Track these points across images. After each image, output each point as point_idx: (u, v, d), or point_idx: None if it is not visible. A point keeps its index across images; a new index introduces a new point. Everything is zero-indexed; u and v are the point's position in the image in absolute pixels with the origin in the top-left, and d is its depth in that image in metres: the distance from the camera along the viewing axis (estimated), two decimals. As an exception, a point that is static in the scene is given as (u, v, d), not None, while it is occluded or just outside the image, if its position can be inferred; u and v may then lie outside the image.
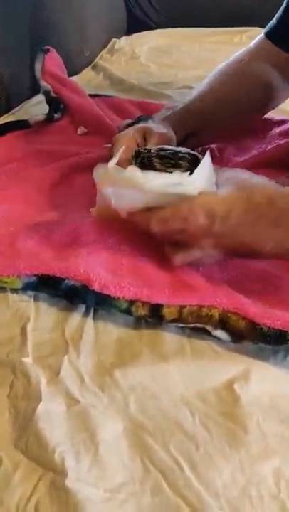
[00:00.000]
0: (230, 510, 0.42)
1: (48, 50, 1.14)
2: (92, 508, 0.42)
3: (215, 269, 0.63)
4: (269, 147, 0.92)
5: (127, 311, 0.58)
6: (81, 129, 1.04)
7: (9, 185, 0.83)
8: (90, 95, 1.12)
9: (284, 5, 0.86)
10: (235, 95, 0.86)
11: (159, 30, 1.81)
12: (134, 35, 1.75)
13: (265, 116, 0.97)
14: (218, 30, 1.73)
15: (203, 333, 0.57)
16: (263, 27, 0.90)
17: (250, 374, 0.53)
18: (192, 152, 0.69)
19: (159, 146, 0.69)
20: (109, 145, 0.78)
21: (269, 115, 0.99)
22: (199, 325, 0.57)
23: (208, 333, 0.57)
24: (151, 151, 0.67)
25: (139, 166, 0.66)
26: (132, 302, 0.58)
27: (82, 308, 0.61)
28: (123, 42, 1.68)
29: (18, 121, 1.03)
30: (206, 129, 0.85)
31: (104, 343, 0.57)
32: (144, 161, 0.67)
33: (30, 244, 0.68)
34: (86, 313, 0.60)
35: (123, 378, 0.53)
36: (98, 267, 0.62)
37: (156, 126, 0.78)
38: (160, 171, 0.65)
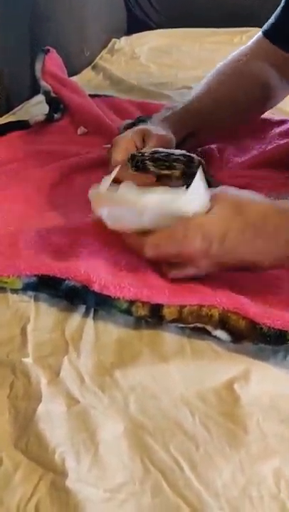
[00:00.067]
0: (230, 510, 0.42)
1: (48, 50, 1.14)
2: (92, 508, 0.42)
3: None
4: (269, 147, 0.92)
5: (127, 312, 0.58)
6: (81, 129, 1.04)
7: (9, 185, 0.83)
8: (90, 95, 1.12)
9: (282, 4, 0.86)
10: (233, 95, 0.85)
11: (159, 31, 1.81)
12: (134, 36, 1.75)
13: (264, 116, 0.97)
14: (218, 31, 1.74)
15: (203, 333, 0.57)
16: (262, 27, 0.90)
17: (250, 374, 0.53)
18: (187, 154, 0.69)
19: (153, 149, 0.70)
20: (109, 145, 0.78)
21: (269, 115, 0.99)
22: (199, 325, 0.57)
23: (208, 333, 0.57)
24: (145, 154, 0.68)
25: (134, 170, 0.67)
26: (132, 302, 0.58)
27: (82, 308, 0.61)
28: (123, 42, 1.68)
29: (18, 122, 1.03)
30: (204, 130, 0.85)
31: (105, 343, 0.57)
32: (139, 164, 0.67)
33: (30, 245, 0.68)
34: (86, 314, 0.60)
35: (123, 378, 0.53)
36: (98, 267, 0.62)
37: (154, 128, 0.78)
38: (154, 173, 0.66)
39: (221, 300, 0.57)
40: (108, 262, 0.64)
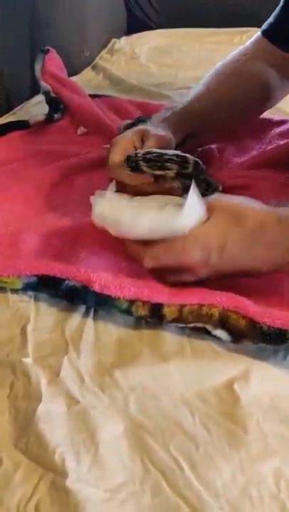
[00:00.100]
0: (230, 510, 0.42)
1: (48, 50, 1.14)
2: (92, 508, 0.42)
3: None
4: (269, 148, 0.92)
5: (127, 311, 0.58)
6: (81, 129, 1.04)
7: (9, 185, 0.83)
8: (89, 95, 1.12)
9: (281, 4, 0.86)
10: (233, 95, 0.85)
11: (159, 31, 1.80)
12: (134, 36, 1.75)
13: (264, 116, 0.97)
14: (218, 31, 1.73)
15: (203, 333, 0.57)
16: (263, 27, 0.90)
17: (250, 374, 0.53)
18: (180, 154, 0.69)
19: (147, 150, 0.70)
20: (109, 145, 0.78)
21: (268, 115, 0.99)
22: (199, 324, 0.57)
23: (208, 333, 0.57)
24: (138, 154, 0.68)
25: (129, 170, 0.68)
26: (132, 302, 0.58)
27: (82, 308, 0.61)
28: (123, 42, 1.68)
29: (18, 122, 1.03)
30: (204, 130, 0.85)
31: (105, 343, 0.57)
32: (133, 164, 0.67)
33: (30, 245, 0.68)
34: (86, 314, 0.60)
35: (123, 378, 0.53)
36: (98, 267, 0.62)
37: (154, 128, 0.78)
38: (148, 173, 0.66)
39: (221, 299, 0.57)
40: (108, 262, 0.64)
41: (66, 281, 0.60)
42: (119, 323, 0.59)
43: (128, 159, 0.69)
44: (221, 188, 0.74)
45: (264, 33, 0.88)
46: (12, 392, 0.51)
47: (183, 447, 0.47)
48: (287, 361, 0.55)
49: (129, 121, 0.98)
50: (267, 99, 0.90)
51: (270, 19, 0.88)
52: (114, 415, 0.49)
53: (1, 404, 0.50)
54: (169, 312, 0.57)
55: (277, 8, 0.86)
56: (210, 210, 0.58)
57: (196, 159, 0.70)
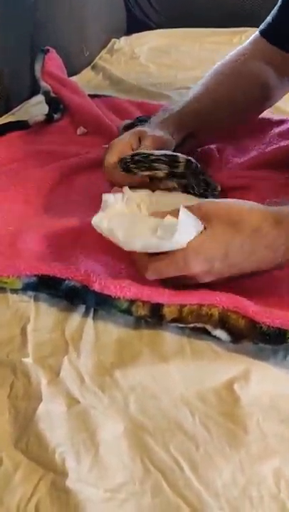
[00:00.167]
0: (230, 510, 0.42)
1: (48, 50, 1.14)
2: (92, 508, 0.42)
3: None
4: (269, 148, 0.91)
5: (127, 311, 0.58)
6: (81, 130, 1.04)
7: (9, 185, 0.83)
8: (89, 95, 1.12)
9: (279, 3, 0.86)
10: (232, 95, 0.85)
11: (158, 31, 1.80)
12: (134, 36, 1.75)
13: (264, 116, 0.97)
14: (218, 31, 1.73)
15: (203, 333, 0.57)
16: (262, 28, 0.90)
17: (250, 374, 0.53)
18: (169, 153, 0.69)
19: (136, 151, 0.70)
20: (107, 146, 0.78)
21: (268, 115, 0.99)
22: (199, 324, 0.57)
23: (208, 333, 0.57)
24: (127, 156, 0.68)
25: (122, 171, 0.69)
26: (132, 302, 0.58)
27: (82, 308, 0.61)
28: (123, 42, 1.68)
29: (17, 122, 1.03)
30: (203, 130, 0.85)
31: (105, 343, 0.57)
32: (124, 166, 0.68)
33: (30, 245, 0.68)
34: (86, 314, 0.60)
35: (123, 378, 0.53)
36: (98, 267, 0.62)
37: (151, 129, 0.78)
38: (138, 175, 0.67)
39: (220, 299, 0.57)
40: (108, 262, 0.64)
41: (66, 281, 0.60)
42: (119, 323, 0.59)
43: (120, 161, 0.70)
44: (219, 189, 0.74)
45: (262, 33, 0.88)
46: (12, 392, 0.51)
47: (183, 447, 0.47)
48: (287, 361, 0.55)
49: (128, 121, 0.98)
50: (266, 98, 0.90)
51: (268, 19, 0.88)
52: (115, 415, 0.49)
53: (1, 404, 0.50)
54: (168, 312, 0.58)
55: (275, 8, 0.86)
56: (206, 219, 0.58)
57: (189, 158, 0.70)
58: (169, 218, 0.58)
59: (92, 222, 0.62)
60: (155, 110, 0.93)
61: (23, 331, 0.58)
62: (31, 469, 0.45)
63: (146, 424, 0.49)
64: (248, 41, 0.91)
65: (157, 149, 0.72)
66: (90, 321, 0.60)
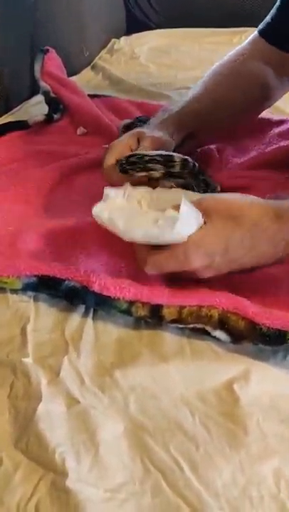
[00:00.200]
0: (230, 510, 0.42)
1: (48, 50, 1.14)
2: (92, 508, 0.42)
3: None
4: (269, 148, 0.91)
5: (127, 312, 0.58)
6: (80, 130, 1.04)
7: (9, 185, 0.83)
8: (89, 95, 1.12)
9: (277, 3, 0.86)
10: (231, 95, 0.85)
11: (158, 31, 1.80)
12: (134, 36, 1.75)
13: (264, 116, 0.97)
14: (218, 31, 1.73)
15: (203, 333, 0.57)
16: (262, 28, 0.90)
17: (250, 374, 0.53)
18: (164, 153, 0.69)
19: (131, 153, 0.70)
20: (108, 146, 0.78)
21: (268, 115, 0.99)
22: (199, 325, 0.57)
23: (208, 334, 0.57)
24: (123, 158, 0.69)
25: (119, 172, 0.68)
26: (131, 303, 0.58)
27: (82, 308, 0.61)
28: (122, 42, 1.68)
29: (17, 122, 1.03)
30: (203, 130, 0.85)
31: (104, 344, 0.57)
32: (121, 168, 0.68)
33: (30, 245, 0.68)
34: (86, 314, 0.60)
35: (123, 378, 0.53)
36: (98, 267, 0.62)
37: (149, 130, 0.78)
38: (134, 176, 0.67)
39: (220, 300, 0.57)
40: (108, 262, 0.64)
41: (66, 282, 0.60)
42: (118, 323, 0.59)
43: (117, 162, 0.70)
44: (219, 189, 0.74)
45: (261, 33, 0.88)
46: (12, 392, 0.51)
47: (183, 447, 0.47)
48: (287, 361, 0.55)
49: (128, 121, 0.98)
50: (266, 98, 0.90)
51: (267, 18, 0.87)
52: (115, 415, 0.49)
53: (1, 404, 0.50)
54: (168, 313, 0.58)
55: (274, 8, 0.86)
56: (206, 213, 0.58)
57: (185, 158, 0.70)
58: (170, 211, 0.58)
59: (93, 212, 0.62)
60: (155, 110, 0.93)
61: (23, 331, 0.58)
62: (31, 469, 0.45)
63: (147, 424, 0.49)
64: (246, 41, 0.91)
65: (156, 150, 0.72)
66: (89, 321, 0.60)
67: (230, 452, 0.46)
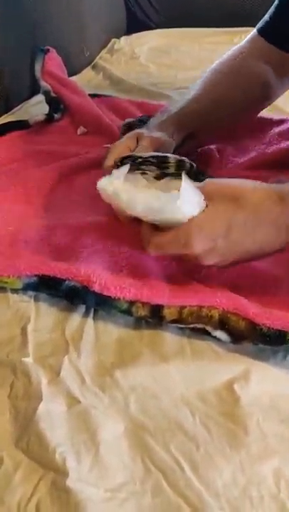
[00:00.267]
0: (230, 510, 0.42)
1: (48, 50, 1.14)
2: (92, 508, 0.42)
3: (214, 270, 0.64)
4: (269, 148, 0.91)
5: (128, 312, 0.58)
6: (81, 129, 1.04)
7: (9, 185, 0.83)
8: (89, 95, 1.12)
9: (276, 2, 0.86)
10: (231, 94, 0.85)
11: (158, 31, 1.80)
12: (134, 35, 1.75)
13: (264, 115, 0.97)
14: (218, 31, 1.73)
15: (203, 333, 0.57)
16: (262, 27, 0.90)
17: (250, 374, 0.53)
18: (158, 154, 0.69)
19: (125, 155, 0.70)
20: (109, 145, 0.78)
21: (268, 115, 0.99)
22: (199, 325, 0.57)
23: (208, 334, 0.57)
24: (117, 160, 0.68)
25: None
26: (132, 303, 0.58)
27: (83, 308, 0.61)
28: (123, 42, 1.68)
29: (18, 122, 1.03)
30: (203, 130, 0.85)
31: (105, 343, 0.57)
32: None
33: (30, 245, 0.68)
34: (86, 314, 0.60)
35: (123, 378, 0.53)
36: (99, 267, 0.62)
37: (148, 131, 0.78)
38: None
39: (220, 301, 0.58)
40: (108, 262, 0.64)
41: (66, 282, 0.61)
42: (119, 323, 0.59)
43: (114, 164, 0.70)
44: None
45: (260, 31, 0.88)
46: (12, 392, 0.51)
47: (183, 447, 0.47)
48: (287, 361, 0.55)
49: (130, 120, 0.98)
50: (266, 97, 0.90)
51: (266, 17, 0.87)
52: (115, 415, 0.49)
53: (1, 404, 0.50)
54: (168, 313, 0.58)
55: (273, 6, 0.86)
56: (208, 196, 0.57)
57: (182, 158, 0.70)
58: (173, 191, 0.58)
59: (98, 185, 0.61)
60: (155, 110, 0.93)
61: (24, 331, 0.58)
62: (32, 469, 0.45)
63: (147, 424, 0.49)
64: (245, 39, 0.90)
65: (156, 150, 0.72)
66: (90, 321, 0.60)
67: (231, 452, 0.47)
